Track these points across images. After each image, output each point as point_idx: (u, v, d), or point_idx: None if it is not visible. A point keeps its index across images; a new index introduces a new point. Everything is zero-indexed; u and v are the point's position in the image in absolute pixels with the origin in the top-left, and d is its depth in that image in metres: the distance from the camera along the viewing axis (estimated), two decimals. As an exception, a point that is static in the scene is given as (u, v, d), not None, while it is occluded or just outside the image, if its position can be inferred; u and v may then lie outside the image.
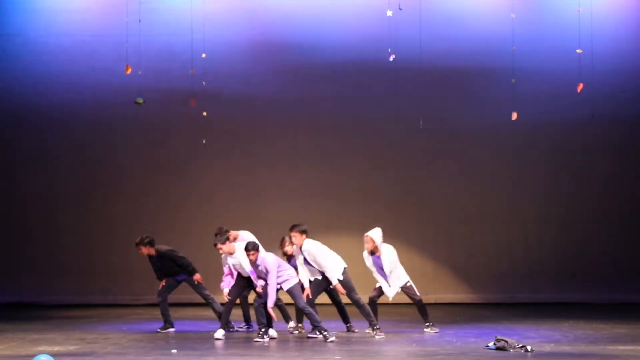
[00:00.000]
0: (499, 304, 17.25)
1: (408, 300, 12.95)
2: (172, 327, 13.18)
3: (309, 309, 11.92)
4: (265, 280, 12.03)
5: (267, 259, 11.96)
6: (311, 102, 17.75)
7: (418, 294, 12.75)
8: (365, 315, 12.40)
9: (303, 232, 12.32)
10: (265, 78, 17.72)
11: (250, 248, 11.92)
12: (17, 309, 16.74)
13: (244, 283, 12.52)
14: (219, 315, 12.87)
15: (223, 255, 12.80)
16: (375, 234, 12.52)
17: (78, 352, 10.80)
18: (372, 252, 12.54)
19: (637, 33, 17.71)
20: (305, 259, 12.40)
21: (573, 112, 17.48)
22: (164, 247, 13.34)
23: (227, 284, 12.75)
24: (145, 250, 13.26)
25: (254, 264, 11.98)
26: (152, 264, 13.43)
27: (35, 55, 17.65)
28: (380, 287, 12.66)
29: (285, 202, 17.55)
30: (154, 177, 17.70)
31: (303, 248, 12.33)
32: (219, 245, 12.44)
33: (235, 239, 13.04)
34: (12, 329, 13.24)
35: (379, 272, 12.58)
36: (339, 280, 12.38)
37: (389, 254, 12.52)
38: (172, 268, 13.31)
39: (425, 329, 12.75)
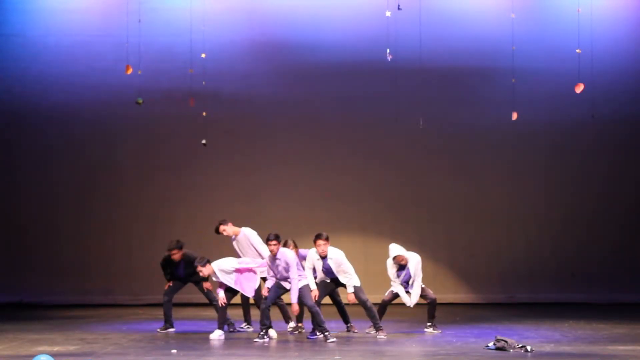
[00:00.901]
0: (499, 304, 17.25)
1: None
2: (172, 327, 13.16)
3: (316, 309, 11.90)
4: (275, 277, 12.04)
5: (288, 254, 11.96)
6: (311, 102, 17.75)
7: (431, 292, 12.83)
8: (371, 317, 12.40)
9: (327, 238, 12.19)
10: (265, 78, 17.72)
11: (272, 238, 11.87)
12: (17, 309, 16.74)
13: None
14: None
15: None
16: (398, 249, 12.61)
17: (78, 352, 10.80)
18: (402, 266, 12.65)
19: (637, 33, 17.70)
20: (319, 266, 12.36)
21: (573, 112, 17.46)
22: (190, 254, 13.10)
23: (223, 290, 12.69)
24: (178, 256, 13.02)
25: (273, 256, 11.97)
26: (171, 267, 13.18)
27: (35, 55, 17.64)
28: (395, 292, 12.69)
29: (285, 202, 17.55)
30: (153, 177, 17.69)
31: (329, 256, 12.20)
32: (199, 268, 12.47)
33: (236, 235, 13.07)
34: (12, 329, 13.23)
35: (401, 283, 12.66)
36: (354, 286, 12.34)
37: (417, 262, 12.60)
38: (191, 274, 13.19)
39: (426, 329, 12.76)
